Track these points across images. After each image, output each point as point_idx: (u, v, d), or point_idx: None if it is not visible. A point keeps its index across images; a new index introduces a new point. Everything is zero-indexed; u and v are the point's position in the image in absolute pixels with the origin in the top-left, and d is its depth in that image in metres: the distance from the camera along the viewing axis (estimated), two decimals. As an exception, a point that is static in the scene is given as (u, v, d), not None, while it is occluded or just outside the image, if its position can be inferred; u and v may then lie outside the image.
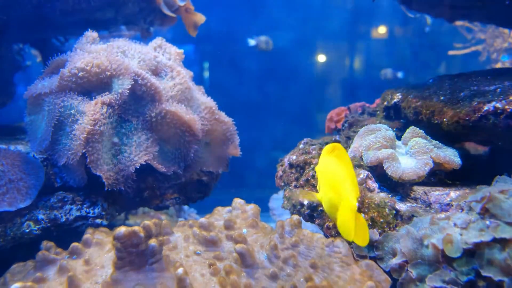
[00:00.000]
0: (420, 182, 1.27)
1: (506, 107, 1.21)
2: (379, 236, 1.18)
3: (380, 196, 1.30)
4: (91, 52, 1.54)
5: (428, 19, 4.25)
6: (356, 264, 1.11)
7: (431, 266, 1.00)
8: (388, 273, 1.09)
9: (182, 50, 1.82)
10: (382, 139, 1.36)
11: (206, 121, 1.70)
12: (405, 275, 1.04)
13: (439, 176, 1.38)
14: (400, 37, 4.81)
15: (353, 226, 1.03)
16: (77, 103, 1.42)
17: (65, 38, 2.51)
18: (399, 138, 1.45)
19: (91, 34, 1.66)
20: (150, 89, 1.51)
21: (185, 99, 1.64)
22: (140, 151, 1.48)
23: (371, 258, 1.15)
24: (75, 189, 1.47)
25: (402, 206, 1.24)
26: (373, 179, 1.36)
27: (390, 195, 1.30)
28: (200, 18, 2.31)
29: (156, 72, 1.64)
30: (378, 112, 2.06)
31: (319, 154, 1.24)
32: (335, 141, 1.84)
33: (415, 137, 1.37)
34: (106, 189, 1.41)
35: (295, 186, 1.61)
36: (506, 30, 3.92)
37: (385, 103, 1.86)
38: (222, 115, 1.78)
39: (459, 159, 1.31)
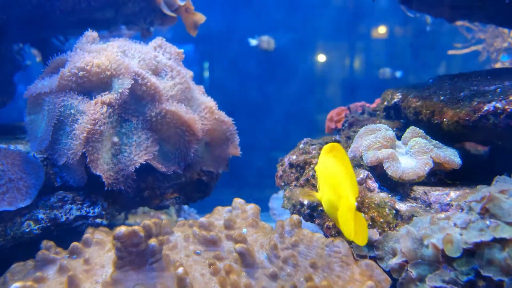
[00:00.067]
0: (420, 182, 1.27)
1: (506, 107, 1.21)
2: (379, 236, 1.18)
3: (380, 196, 1.30)
4: (91, 52, 1.54)
5: (428, 19, 4.25)
6: (356, 264, 1.11)
7: (431, 266, 1.00)
8: (388, 273, 1.09)
9: (182, 50, 1.82)
10: (382, 139, 1.36)
11: (206, 120, 1.70)
12: (405, 275, 1.04)
13: (439, 176, 1.38)
14: (400, 37, 4.81)
15: (353, 225, 1.03)
16: (77, 103, 1.42)
17: (65, 37, 2.51)
18: (399, 138, 1.45)
19: (91, 33, 1.66)
20: (150, 89, 1.51)
21: (185, 98, 1.64)
22: (140, 151, 1.48)
23: (371, 258, 1.15)
24: (75, 189, 1.47)
25: (402, 206, 1.24)
26: (373, 179, 1.36)
27: (390, 195, 1.30)
28: (200, 17, 2.31)
29: (156, 72, 1.64)
30: (378, 112, 2.06)
31: (319, 154, 1.24)
32: (335, 141, 1.84)
33: (415, 137, 1.37)
34: (106, 188, 1.41)
35: (295, 186, 1.61)
36: (506, 30, 3.92)
37: (385, 103, 1.86)
38: (222, 115, 1.78)
39: (459, 159, 1.31)
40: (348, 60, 4.87)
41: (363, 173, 1.37)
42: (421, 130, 1.41)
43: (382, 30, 4.78)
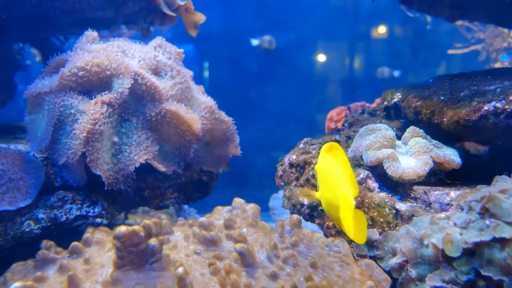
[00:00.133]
0: (420, 182, 1.28)
1: (506, 107, 1.21)
2: (379, 235, 1.18)
3: (380, 195, 1.31)
4: (91, 52, 1.54)
5: (428, 18, 4.25)
6: (356, 263, 1.11)
7: (431, 266, 1.00)
8: (388, 272, 1.09)
9: (182, 50, 1.82)
10: (382, 139, 1.37)
11: (206, 120, 1.70)
12: (405, 274, 1.04)
13: (439, 175, 1.38)
14: (400, 36, 4.81)
15: (352, 223, 1.04)
16: (77, 103, 1.42)
17: (65, 37, 2.51)
18: (399, 137, 1.45)
19: (91, 33, 1.66)
20: (150, 89, 1.51)
21: (185, 98, 1.64)
22: (140, 151, 1.48)
23: (371, 257, 1.15)
24: (75, 188, 1.47)
25: (402, 206, 1.24)
26: (373, 178, 1.36)
27: (390, 195, 1.30)
28: (200, 17, 2.31)
29: (156, 72, 1.64)
30: (378, 111, 2.06)
31: (319, 154, 1.24)
32: (335, 140, 1.85)
33: (415, 137, 1.38)
34: (106, 188, 1.41)
35: (295, 186, 1.61)
36: (506, 30, 3.92)
37: (385, 102, 1.86)
38: (222, 115, 1.78)
39: (459, 158, 1.31)
40: (348, 60, 4.87)
41: (363, 173, 1.37)
42: (421, 130, 1.41)
43: (382, 30, 4.78)
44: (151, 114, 1.52)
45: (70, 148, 1.37)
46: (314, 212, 1.44)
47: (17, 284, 0.98)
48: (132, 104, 1.52)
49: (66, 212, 1.42)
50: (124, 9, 2.07)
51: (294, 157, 1.68)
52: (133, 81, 1.47)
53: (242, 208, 1.33)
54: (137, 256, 0.99)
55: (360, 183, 1.35)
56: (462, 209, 1.11)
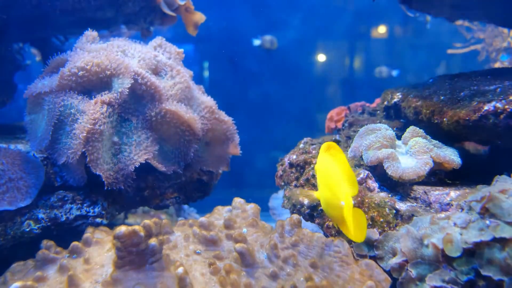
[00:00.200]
0: (420, 182, 1.28)
1: (506, 106, 1.21)
2: (379, 235, 1.18)
3: (380, 195, 1.31)
4: (91, 51, 1.54)
5: (428, 17, 4.25)
6: (356, 263, 1.11)
7: (431, 266, 1.00)
8: (388, 272, 1.09)
9: (182, 50, 1.82)
10: (382, 139, 1.37)
11: (206, 120, 1.70)
12: (405, 274, 1.04)
13: (439, 175, 1.38)
14: (400, 36, 4.81)
15: (350, 223, 1.04)
16: (77, 102, 1.42)
17: (65, 37, 2.51)
18: (399, 137, 1.45)
19: (91, 33, 1.66)
20: (150, 88, 1.51)
21: (185, 98, 1.64)
22: (140, 150, 1.48)
23: (371, 257, 1.15)
24: (75, 188, 1.47)
25: (402, 206, 1.24)
26: (373, 178, 1.36)
27: (390, 195, 1.30)
28: (200, 17, 2.31)
29: (156, 71, 1.64)
30: (378, 111, 2.06)
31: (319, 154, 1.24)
32: (335, 140, 1.85)
33: (415, 137, 1.38)
34: (106, 188, 1.41)
35: (295, 186, 1.61)
36: (506, 30, 3.92)
37: (385, 102, 1.86)
38: (222, 114, 1.78)
39: (459, 158, 1.31)
40: (348, 59, 4.87)
41: (363, 173, 1.37)
42: (421, 130, 1.41)
43: (382, 29, 4.78)
44: (151, 114, 1.52)
45: (70, 148, 1.37)
46: (314, 212, 1.44)
47: (17, 284, 0.98)
48: (132, 104, 1.52)
49: (66, 212, 1.42)
50: (124, 9, 2.07)
51: (294, 157, 1.68)
52: (133, 81, 1.47)
53: (242, 208, 1.33)
54: (137, 256, 0.99)
55: (360, 183, 1.35)
56: (462, 209, 1.11)
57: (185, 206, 2.90)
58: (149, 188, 1.64)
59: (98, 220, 1.46)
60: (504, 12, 1.90)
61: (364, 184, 1.35)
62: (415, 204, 1.25)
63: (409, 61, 4.81)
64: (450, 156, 1.29)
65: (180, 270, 0.97)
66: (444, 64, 4.66)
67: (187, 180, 1.75)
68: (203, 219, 1.27)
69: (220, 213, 1.35)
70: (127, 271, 0.99)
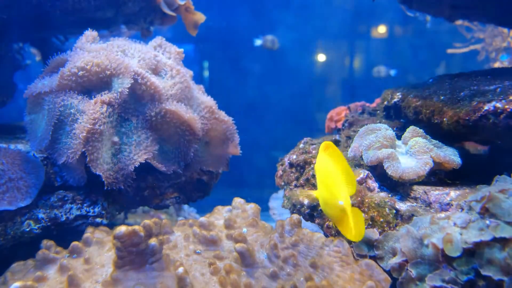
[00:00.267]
0: (420, 182, 1.28)
1: (506, 106, 1.21)
2: (379, 235, 1.18)
3: (380, 195, 1.31)
4: (91, 51, 1.54)
5: (428, 17, 4.26)
6: (356, 263, 1.11)
7: (431, 266, 1.00)
8: (388, 272, 1.09)
9: (182, 49, 1.82)
10: (382, 139, 1.36)
11: (206, 120, 1.70)
12: (405, 274, 1.04)
13: (439, 175, 1.38)
14: (399, 36, 4.82)
15: (347, 222, 1.04)
16: (77, 102, 1.42)
17: (65, 37, 2.51)
18: (399, 137, 1.45)
19: (91, 33, 1.66)
20: (150, 88, 1.51)
21: (185, 98, 1.64)
22: (140, 150, 1.48)
23: (371, 257, 1.15)
24: (75, 188, 1.47)
25: (402, 206, 1.24)
26: (373, 178, 1.36)
27: (390, 195, 1.30)
28: (200, 17, 2.31)
29: (156, 71, 1.64)
30: (378, 111, 2.06)
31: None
32: (335, 140, 1.85)
33: (415, 137, 1.37)
34: (105, 188, 1.41)
35: (295, 186, 1.61)
36: (505, 30, 3.92)
37: (385, 102, 1.86)
38: (222, 114, 1.78)
39: (459, 158, 1.31)
40: (348, 59, 4.87)
41: (363, 173, 1.37)
42: (421, 130, 1.41)
43: (382, 29, 4.79)
44: (151, 114, 1.52)
45: (70, 148, 1.37)
46: (314, 212, 1.44)
47: (17, 284, 0.98)
48: (132, 103, 1.52)
49: (66, 211, 1.42)
50: (124, 9, 2.07)
51: (294, 157, 1.68)
52: (133, 81, 1.47)
53: (242, 208, 1.33)
54: (137, 256, 0.99)
55: (360, 183, 1.35)
56: (462, 209, 1.11)
57: (185, 206, 2.90)
58: (149, 188, 1.64)
59: (98, 220, 1.46)
60: (504, 12, 1.90)
61: (364, 184, 1.35)
62: (415, 204, 1.25)
63: (409, 61, 4.81)
64: (450, 156, 1.29)
65: (180, 270, 0.97)
66: (444, 64, 4.66)
67: (187, 180, 1.75)
68: (203, 219, 1.27)
69: (220, 213, 1.35)
70: (127, 271, 0.99)
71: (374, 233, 1.19)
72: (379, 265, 1.11)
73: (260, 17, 4.85)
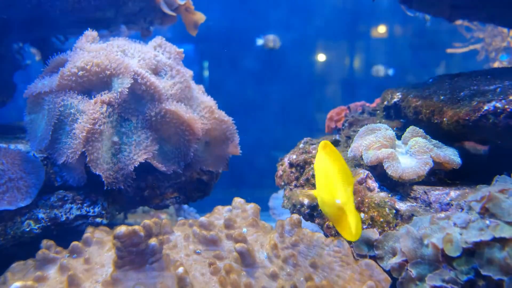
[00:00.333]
0: (420, 182, 1.28)
1: (506, 106, 1.21)
2: (379, 235, 1.19)
3: (380, 195, 1.31)
4: (91, 51, 1.54)
5: (428, 17, 4.26)
6: (356, 263, 1.11)
7: (431, 266, 1.00)
8: (388, 272, 1.09)
9: (182, 49, 1.82)
10: (382, 139, 1.37)
11: (206, 120, 1.70)
12: (405, 274, 1.04)
13: (439, 175, 1.38)
14: (399, 36, 4.82)
15: (345, 221, 1.04)
16: (77, 102, 1.42)
17: (65, 37, 2.51)
18: (399, 137, 1.45)
19: (91, 33, 1.66)
20: (150, 88, 1.51)
21: (185, 98, 1.64)
22: (139, 150, 1.48)
23: (371, 257, 1.16)
24: (75, 188, 1.47)
25: (402, 206, 1.24)
26: (373, 178, 1.36)
27: (390, 195, 1.30)
28: (200, 17, 2.31)
29: (156, 71, 1.64)
30: (378, 111, 2.06)
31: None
32: (335, 140, 1.85)
33: (415, 137, 1.38)
34: (105, 188, 1.41)
35: (295, 186, 1.61)
36: (505, 30, 3.92)
37: (385, 102, 1.86)
38: (222, 114, 1.78)
39: (459, 158, 1.31)
40: (348, 59, 4.87)
41: (363, 173, 1.37)
42: (421, 130, 1.41)
43: (382, 29, 4.79)
44: (151, 114, 1.52)
45: (70, 148, 1.37)
46: (314, 212, 1.44)
47: (17, 284, 0.98)
48: (132, 103, 1.52)
49: (66, 211, 1.42)
50: (124, 9, 2.07)
51: (294, 157, 1.68)
52: (132, 81, 1.47)
53: (242, 208, 1.33)
54: (137, 256, 0.99)
55: (360, 183, 1.35)
56: (462, 209, 1.11)
57: (185, 206, 2.91)
58: (149, 188, 1.64)
59: (98, 220, 1.46)
60: (504, 12, 1.90)
61: (364, 184, 1.35)
62: (415, 204, 1.25)
63: (408, 61, 4.81)
64: (450, 156, 1.29)
65: (180, 270, 0.97)
66: (444, 63, 4.66)
67: (187, 180, 1.75)
68: (203, 219, 1.27)
69: (220, 213, 1.35)
70: (127, 271, 0.99)
71: (374, 233, 1.20)
72: (379, 265, 1.11)
73: (260, 17, 4.85)
